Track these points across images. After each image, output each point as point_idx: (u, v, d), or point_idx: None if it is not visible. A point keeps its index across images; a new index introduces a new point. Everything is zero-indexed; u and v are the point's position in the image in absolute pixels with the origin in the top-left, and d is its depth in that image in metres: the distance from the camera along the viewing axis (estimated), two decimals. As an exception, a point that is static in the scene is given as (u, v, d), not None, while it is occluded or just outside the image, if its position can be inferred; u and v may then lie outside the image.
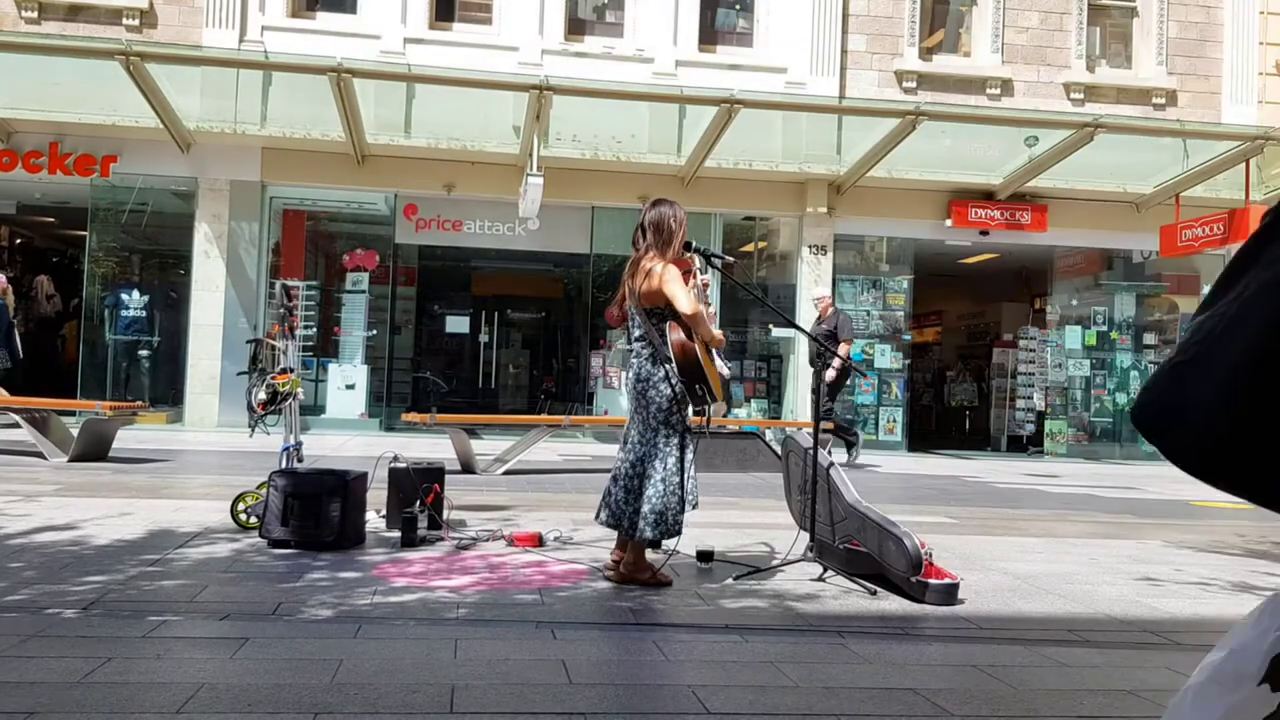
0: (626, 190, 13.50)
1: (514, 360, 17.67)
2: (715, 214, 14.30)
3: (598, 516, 4.61)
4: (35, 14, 13.00)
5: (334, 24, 13.75)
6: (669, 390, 4.43)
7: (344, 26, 13.70)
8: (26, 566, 4.38)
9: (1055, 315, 15.75)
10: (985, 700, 3.08)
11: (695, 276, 4.80)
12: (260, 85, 12.89)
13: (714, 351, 4.62)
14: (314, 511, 5.00)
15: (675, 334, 4.41)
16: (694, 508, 4.53)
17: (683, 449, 4.48)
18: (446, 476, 5.72)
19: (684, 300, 4.38)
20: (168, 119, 12.37)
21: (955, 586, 4.43)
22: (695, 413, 4.58)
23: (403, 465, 5.67)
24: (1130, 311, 15.66)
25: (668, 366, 4.42)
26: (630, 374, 4.58)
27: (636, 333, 4.57)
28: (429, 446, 10.66)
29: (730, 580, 4.64)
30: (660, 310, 4.46)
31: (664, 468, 4.44)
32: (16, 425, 9.10)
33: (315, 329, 13.54)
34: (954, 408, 18.62)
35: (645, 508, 4.41)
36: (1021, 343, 16.11)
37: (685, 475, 4.46)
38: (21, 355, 11.55)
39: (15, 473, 7.76)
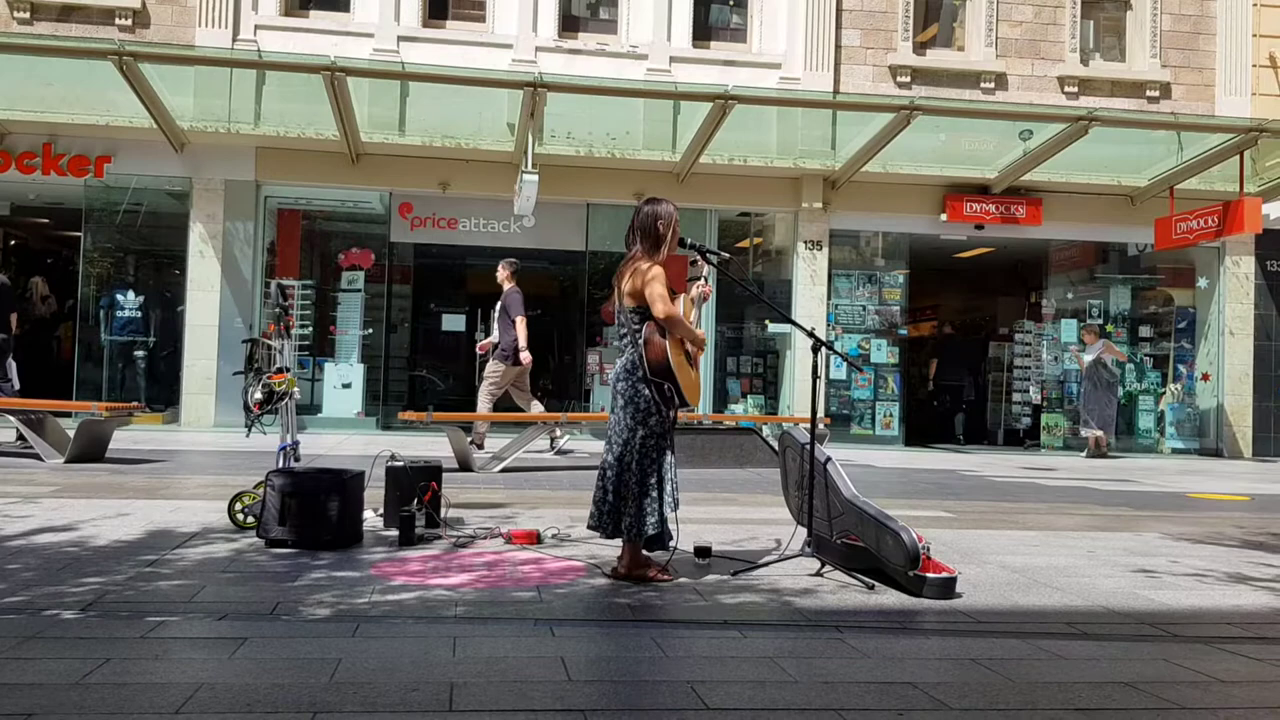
0: (621, 187, 13.50)
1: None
2: (710, 210, 14.31)
3: (588, 522, 4.66)
4: (28, 14, 12.97)
5: (327, 22, 13.74)
6: (646, 391, 4.46)
7: (337, 25, 13.69)
8: (24, 568, 4.37)
9: (1051, 309, 15.77)
10: (983, 694, 3.09)
11: (701, 284, 4.79)
12: (254, 84, 12.88)
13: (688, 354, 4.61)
14: (312, 511, 5.00)
15: (650, 333, 4.45)
16: (674, 509, 4.55)
17: (660, 450, 4.49)
18: (444, 475, 5.73)
19: (660, 302, 4.40)
20: (161, 119, 12.35)
21: (953, 580, 4.43)
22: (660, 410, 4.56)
23: (400, 464, 5.67)
24: (1125, 305, 15.69)
25: (644, 367, 4.47)
26: (614, 371, 4.62)
27: (621, 331, 4.61)
28: (426, 445, 10.66)
29: (728, 576, 4.65)
30: (643, 310, 4.48)
31: (640, 469, 4.45)
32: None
33: (311, 328, 13.53)
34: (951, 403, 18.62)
35: (624, 506, 4.45)
36: (1017, 336, 16.14)
37: (665, 477, 4.49)
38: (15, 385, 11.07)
39: (12, 474, 7.75)
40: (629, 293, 4.51)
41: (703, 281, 4.81)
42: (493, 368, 10.61)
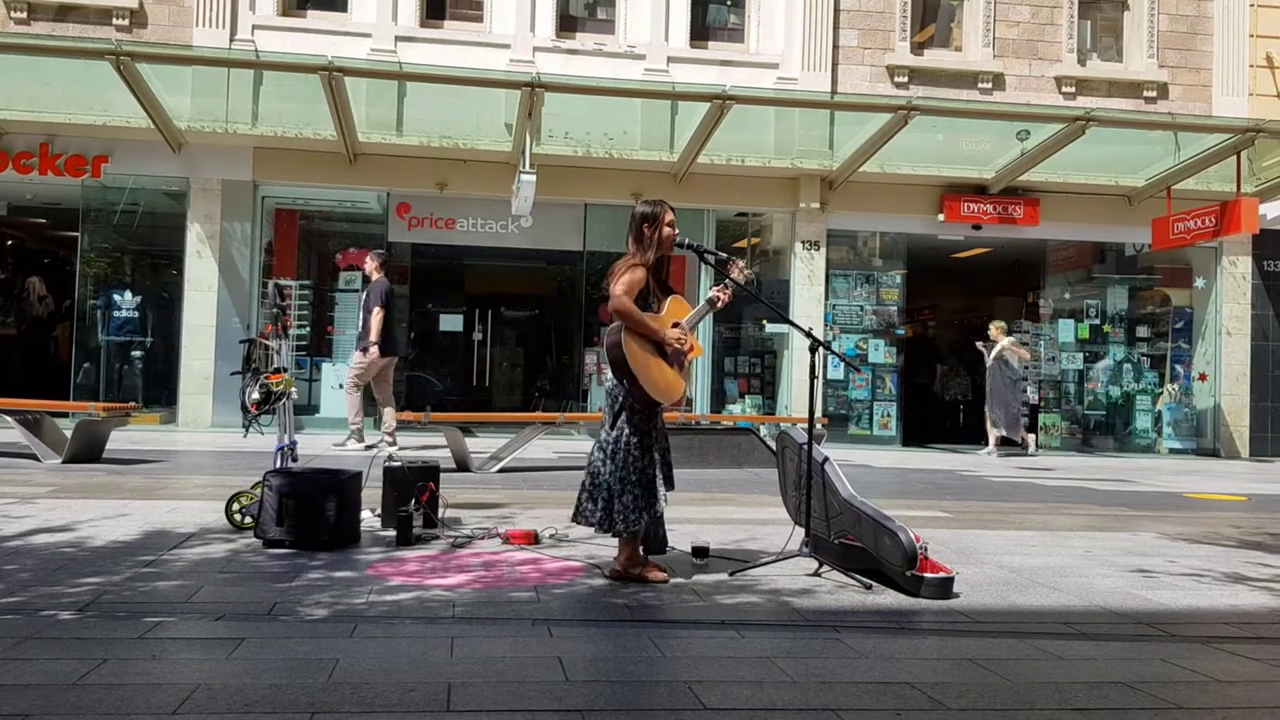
0: (619, 187, 13.51)
1: (508, 358, 17.65)
2: (708, 210, 14.31)
3: (572, 516, 4.65)
4: (24, 14, 12.95)
5: (325, 22, 13.72)
6: (622, 392, 4.48)
7: (335, 25, 13.68)
8: (22, 569, 4.37)
9: (1048, 309, 15.79)
10: (981, 693, 3.09)
11: (718, 290, 4.76)
12: (251, 84, 12.86)
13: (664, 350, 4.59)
14: (309, 511, 5.00)
15: (611, 327, 4.47)
16: (659, 507, 4.54)
17: (643, 449, 4.49)
18: (441, 475, 5.72)
19: (614, 295, 4.43)
20: (159, 119, 12.34)
21: (950, 580, 4.44)
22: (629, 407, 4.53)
23: (398, 464, 5.67)
24: (1123, 304, 15.71)
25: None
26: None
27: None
28: (424, 445, 10.67)
29: (726, 576, 4.65)
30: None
31: (623, 466, 4.45)
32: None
33: (309, 328, 13.53)
34: (948, 402, 18.65)
35: (611, 504, 4.44)
36: (1015, 336, 16.13)
37: (652, 476, 4.48)
38: None
39: (9, 474, 7.74)
40: (612, 292, 4.52)
41: (721, 287, 4.78)
42: (356, 357, 10.71)
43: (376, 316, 10.53)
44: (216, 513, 5.69)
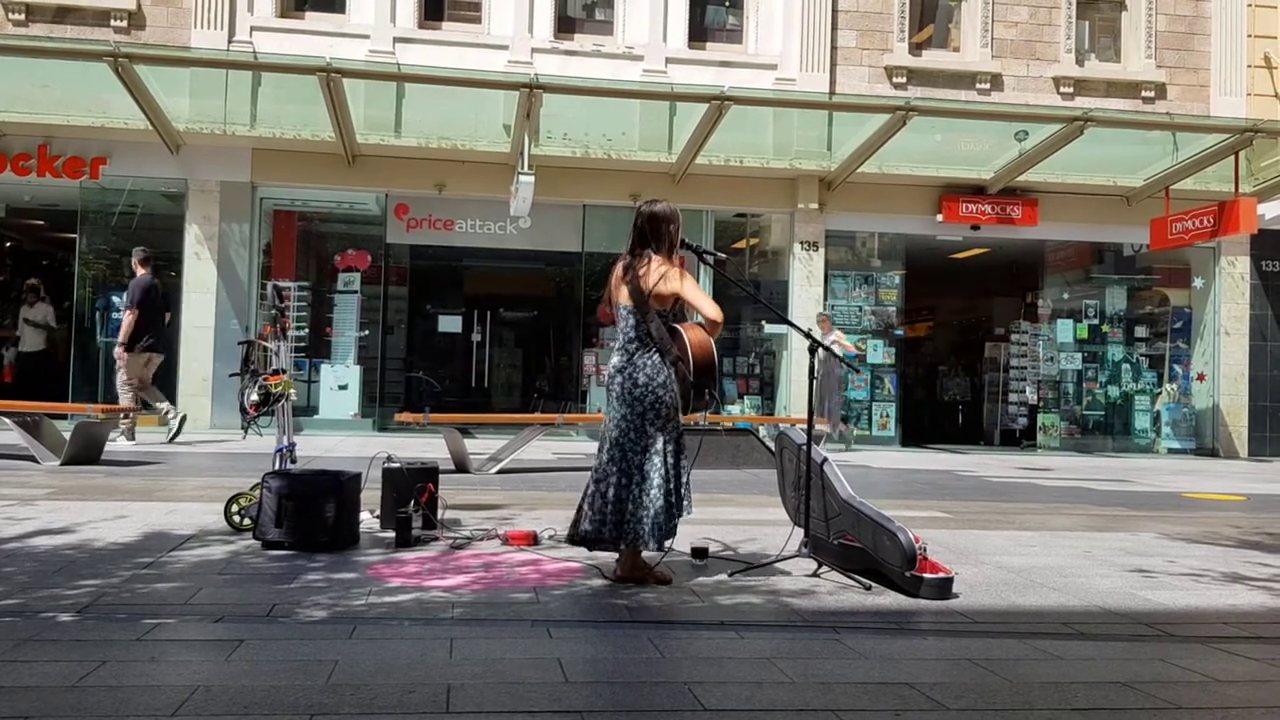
0: (618, 188, 13.51)
1: (507, 359, 17.67)
2: (707, 211, 14.31)
3: (578, 528, 4.50)
4: (23, 16, 12.96)
5: (323, 24, 13.73)
6: (669, 396, 4.38)
7: (333, 26, 13.68)
8: (20, 571, 4.36)
9: (1047, 309, 15.81)
10: (980, 694, 3.09)
11: None
12: (249, 86, 12.88)
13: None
14: (308, 512, 4.99)
15: (695, 334, 4.39)
16: (688, 512, 4.49)
17: (678, 454, 4.46)
18: (440, 476, 5.72)
19: (711, 307, 4.37)
20: (157, 120, 12.34)
21: (950, 581, 4.43)
22: (693, 411, 4.55)
23: (396, 465, 5.65)
24: (1121, 305, 15.73)
25: (680, 367, 4.38)
26: (622, 375, 4.45)
27: (630, 333, 4.45)
28: (423, 446, 10.66)
29: (725, 577, 4.65)
30: (665, 311, 4.44)
31: (660, 473, 4.38)
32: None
33: (307, 329, 13.53)
34: (947, 402, 18.68)
35: (645, 515, 4.35)
36: (1013, 337, 16.16)
37: (680, 481, 4.44)
38: None
39: (8, 476, 7.73)
40: (656, 293, 4.37)
41: None
42: (119, 357, 10.84)
43: (129, 317, 10.70)
44: (215, 514, 5.69)
